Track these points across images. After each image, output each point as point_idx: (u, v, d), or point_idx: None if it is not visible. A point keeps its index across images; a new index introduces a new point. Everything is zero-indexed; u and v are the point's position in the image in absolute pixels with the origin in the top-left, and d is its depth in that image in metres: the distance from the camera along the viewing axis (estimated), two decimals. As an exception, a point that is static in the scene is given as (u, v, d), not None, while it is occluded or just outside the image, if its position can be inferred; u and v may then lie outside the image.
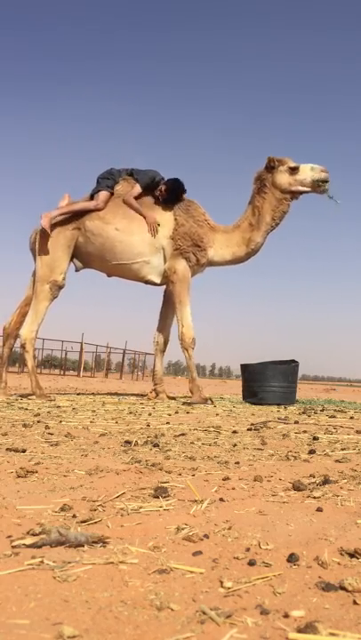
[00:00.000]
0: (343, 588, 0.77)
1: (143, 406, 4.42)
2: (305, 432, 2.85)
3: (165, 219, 5.37)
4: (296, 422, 3.40)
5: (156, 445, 2.09)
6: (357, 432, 2.89)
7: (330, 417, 3.99)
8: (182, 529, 1.03)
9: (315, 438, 2.55)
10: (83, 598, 0.72)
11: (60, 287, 5.27)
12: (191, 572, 0.82)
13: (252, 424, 3.14)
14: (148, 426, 2.89)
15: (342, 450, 2.21)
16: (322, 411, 4.75)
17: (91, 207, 5.29)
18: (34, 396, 4.95)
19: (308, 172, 5.08)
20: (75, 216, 5.31)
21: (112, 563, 0.84)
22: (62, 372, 26.58)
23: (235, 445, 2.25)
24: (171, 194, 5.40)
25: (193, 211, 5.44)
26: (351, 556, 0.91)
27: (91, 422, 2.95)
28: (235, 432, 2.73)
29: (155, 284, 5.54)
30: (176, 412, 3.90)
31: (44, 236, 5.20)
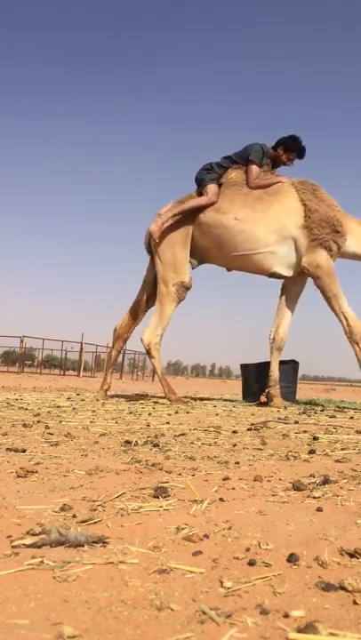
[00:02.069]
0: (343, 588, 0.77)
1: (143, 406, 4.43)
2: (305, 432, 2.85)
3: (291, 205, 4.91)
4: (296, 422, 3.40)
5: (156, 445, 2.09)
6: (357, 432, 2.89)
7: (330, 417, 3.99)
8: (182, 529, 1.03)
9: (315, 438, 2.55)
10: (83, 598, 0.72)
11: (188, 288, 5.03)
12: (191, 571, 0.82)
13: (252, 424, 3.14)
14: (148, 426, 2.89)
15: (342, 450, 2.21)
16: (322, 411, 4.76)
17: (203, 203, 4.95)
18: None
19: None
20: (185, 214, 5.04)
21: (112, 563, 0.84)
22: (62, 372, 26.58)
23: (235, 445, 2.25)
24: (299, 154, 5.19)
25: (322, 194, 5.00)
26: (351, 555, 0.91)
27: (91, 422, 2.95)
28: (235, 432, 2.73)
29: (282, 277, 5.10)
30: (176, 412, 3.90)
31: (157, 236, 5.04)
